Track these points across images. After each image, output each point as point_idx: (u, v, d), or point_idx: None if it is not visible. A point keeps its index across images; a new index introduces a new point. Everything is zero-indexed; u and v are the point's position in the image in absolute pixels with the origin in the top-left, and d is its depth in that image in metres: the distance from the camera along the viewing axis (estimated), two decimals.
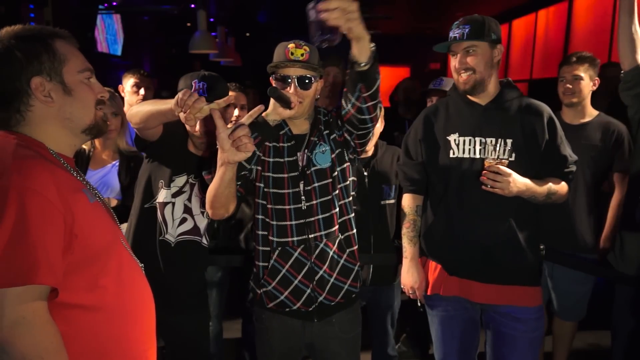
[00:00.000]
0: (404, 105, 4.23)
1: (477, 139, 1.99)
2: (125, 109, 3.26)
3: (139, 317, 1.31)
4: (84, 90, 1.26)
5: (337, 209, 1.84)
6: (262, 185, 1.83)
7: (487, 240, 1.97)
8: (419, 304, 2.23)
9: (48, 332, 1.08)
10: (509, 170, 1.86)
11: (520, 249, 1.98)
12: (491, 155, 1.96)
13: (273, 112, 1.76)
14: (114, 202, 2.45)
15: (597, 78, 2.68)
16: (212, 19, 8.43)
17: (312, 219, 1.80)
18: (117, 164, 2.53)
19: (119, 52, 9.54)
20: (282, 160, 1.81)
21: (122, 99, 3.24)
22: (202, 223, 2.07)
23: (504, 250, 1.97)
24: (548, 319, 2.96)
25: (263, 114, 1.76)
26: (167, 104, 1.70)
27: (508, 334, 2.02)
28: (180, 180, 2.04)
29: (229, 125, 2.64)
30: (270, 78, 1.81)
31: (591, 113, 2.72)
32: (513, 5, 8.52)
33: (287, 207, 1.80)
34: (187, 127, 2.02)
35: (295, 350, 1.91)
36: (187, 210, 2.04)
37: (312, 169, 1.81)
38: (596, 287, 2.89)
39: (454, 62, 2.01)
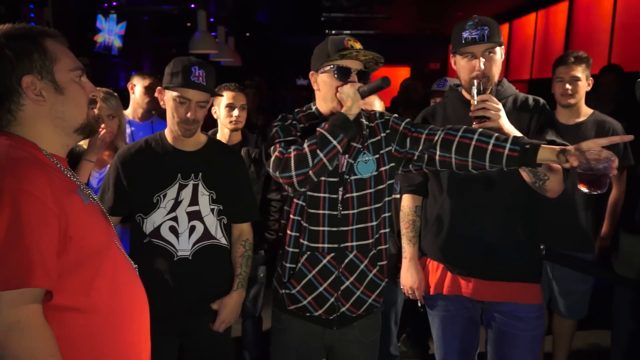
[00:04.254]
0: (405, 105, 4.23)
1: None
2: (130, 109, 3.27)
3: (134, 319, 1.30)
4: (75, 89, 1.25)
5: (375, 222, 1.79)
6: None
7: (487, 237, 1.97)
8: (419, 305, 2.23)
9: (43, 336, 1.08)
10: (498, 102, 1.81)
11: (520, 245, 1.98)
12: None
13: (355, 105, 1.65)
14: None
15: (591, 78, 2.69)
16: (212, 19, 8.43)
17: (346, 228, 1.76)
18: None
19: (118, 52, 9.53)
20: None
21: (126, 98, 3.25)
22: (212, 223, 1.97)
23: (505, 246, 1.97)
24: (548, 317, 2.96)
25: (343, 109, 1.66)
26: None
27: (509, 333, 2.02)
28: (171, 193, 1.93)
29: (229, 126, 2.63)
30: (313, 72, 1.76)
31: (586, 112, 2.73)
32: (513, 5, 8.51)
33: (320, 211, 1.75)
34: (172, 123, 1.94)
35: (314, 353, 1.88)
36: (193, 215, 1.94)
37: (353, 177, 1.76)
38: (597, 287, 2.89)
39: (469, 63, 1.95)
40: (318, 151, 1.62)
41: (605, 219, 2.76)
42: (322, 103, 1.80)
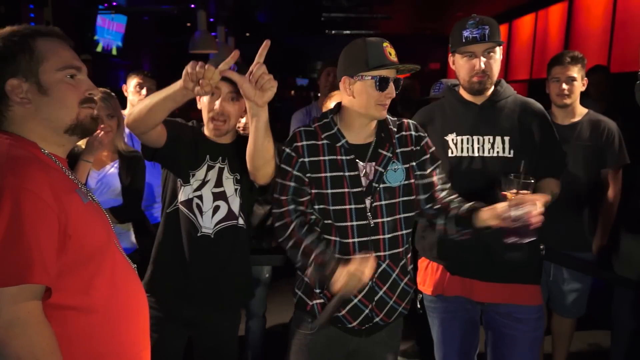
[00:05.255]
0: (403, 104, 4.23)
1: (475, 138, 1.99)
2: (128, 109, 3.28)
3: (133, 318, 1.31)
4: (62, 89, 1.23)
5: (405, 231, 1.78)
6: (322, 206, 1.74)
7: (487, 238, 1.96)
8: (418, 306, 2.23)
9: (42, 333, 1.08)
10: (535, 202, 1.76)
11: (519, 246, 1.98)
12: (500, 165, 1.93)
13: (348, 292, 1.62)
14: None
15: (586, 78, 2.70)
16: (212, 19, 8.44)
17: (378, 237, 1.73)
18: (117, 164, 2.53)
19: (117, 52, 9.54)
20: (341, 174, 1.73)
21: (125, 99, 3.26)
22: (235, 203, 2.01)
23: (505, 248, 1.97)
24: (547, 317, 2.97)
25: (334, 289, 1.63)
26: (172, 88, 1.62)
27: (509, 334, 2.02)
28: (200, 173, 1.99)
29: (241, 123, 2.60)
30: (347, 77, 1.72)
31: (581, 112, 2.74)
32: (513, 5, 8.52)
33: (349, 223, 1.72)
34: (204, 119, 1.99)
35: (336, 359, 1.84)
36: (219, 196, 1.99)
37: (382, 185, 1.73)
38: (596, 287, 2.89)
39: (469, 62, 1.96)
40: (298, 259, 1.71)
41: (602, 218, 2.77)
42: (353, 110, 1.75)
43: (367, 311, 1.75)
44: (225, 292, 2.02)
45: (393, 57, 1.69)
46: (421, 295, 2.21)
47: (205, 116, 1.99)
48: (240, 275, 2.05)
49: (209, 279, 1.98)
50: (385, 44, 1.71)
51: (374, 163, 1.74)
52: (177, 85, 1.58)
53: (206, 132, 2.04)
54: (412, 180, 1.79)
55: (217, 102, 1.93)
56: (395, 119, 1.85)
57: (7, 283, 1.05)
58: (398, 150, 1.78)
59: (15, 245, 1.05)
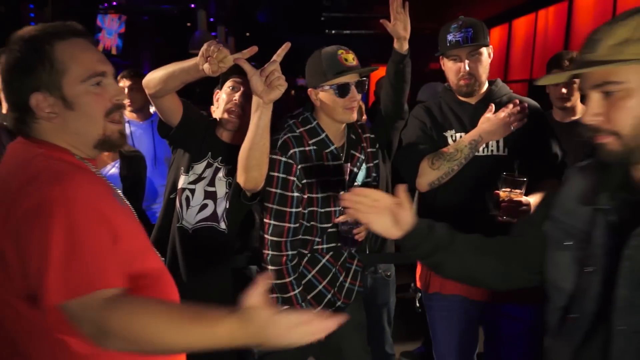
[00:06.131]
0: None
1: None
2: (127, 110, 3.27)
3: None
4: (88, 102, 1.15)
5: None
6: (312, 209, 1.83)
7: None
8: (417, 304, 2.24)
9: (136, 300, 1.05)
10: (526, 200, 1.83)
11: None
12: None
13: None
14: None
15: None
16: (212, 19, 8.45)
17: None
18: (118, 163, 2.53)
19: (117, 52, 9.55)
20: (328, 178, 1.82)
21: None
22: (222, 207, 2.02)
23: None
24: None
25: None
26: (190, 62, 1.67)
27: (507, 334, 2.03)
28: (199, 167, 2.00)
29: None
30: (312, 90, 1.81)
31: (582, 110, 2.74)
32: (513, 5, 8.52)
33: (331, 224, 1.84)
34: (219, 112, 2.01)
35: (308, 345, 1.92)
36: (209, 195, 2.00)
37: (354, 184, 1.87)
38: None
39: (455, 65, 1.99)
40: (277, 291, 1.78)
41: None
42: (325, 117, 1.85)
43: (329, 296, 1.86)
44: (200, 289, 1.97)
45: (350, 62, 1.75)
46: (420, 294, 2.22)
47: (221, 109, 2.01)
48: (217, 279, 2.02)
49: (183, 272, 1.99)
50: (340, 52, 1.77)
51: (349, 164, 1.86)
52: (194, 60, 1.65)
53: (219, 127, 2.05)
54: (369, 179, 1.92)
55: (237, 95, 1.97)
56: (357, 119, 1.94)
57: (83, 292, 1.00)
58: (367, 151, 1.92)
59: (79, 257, 1.01)
